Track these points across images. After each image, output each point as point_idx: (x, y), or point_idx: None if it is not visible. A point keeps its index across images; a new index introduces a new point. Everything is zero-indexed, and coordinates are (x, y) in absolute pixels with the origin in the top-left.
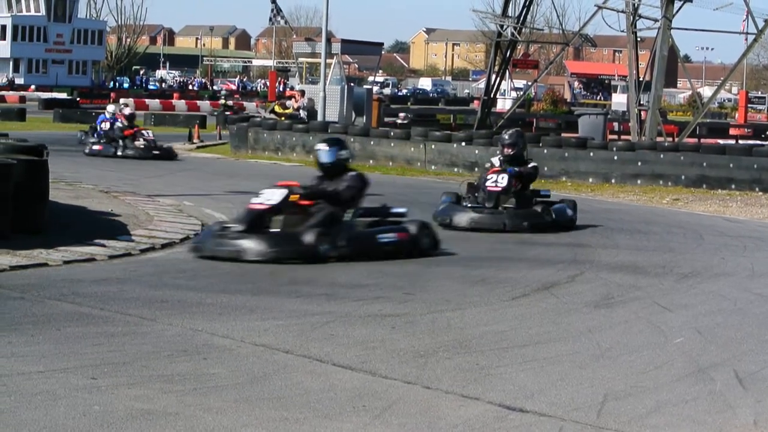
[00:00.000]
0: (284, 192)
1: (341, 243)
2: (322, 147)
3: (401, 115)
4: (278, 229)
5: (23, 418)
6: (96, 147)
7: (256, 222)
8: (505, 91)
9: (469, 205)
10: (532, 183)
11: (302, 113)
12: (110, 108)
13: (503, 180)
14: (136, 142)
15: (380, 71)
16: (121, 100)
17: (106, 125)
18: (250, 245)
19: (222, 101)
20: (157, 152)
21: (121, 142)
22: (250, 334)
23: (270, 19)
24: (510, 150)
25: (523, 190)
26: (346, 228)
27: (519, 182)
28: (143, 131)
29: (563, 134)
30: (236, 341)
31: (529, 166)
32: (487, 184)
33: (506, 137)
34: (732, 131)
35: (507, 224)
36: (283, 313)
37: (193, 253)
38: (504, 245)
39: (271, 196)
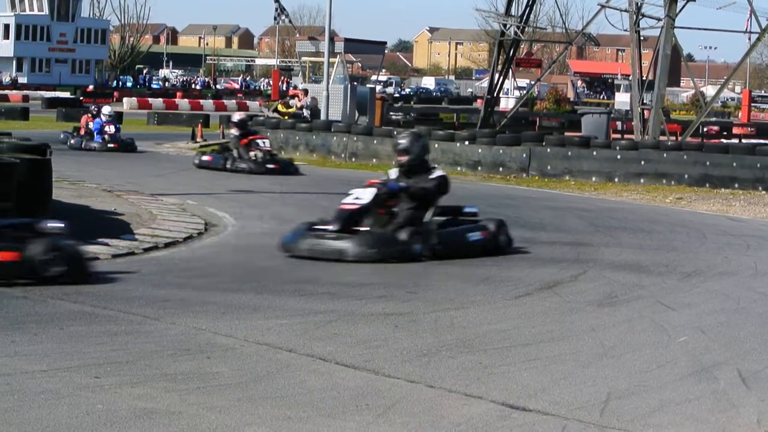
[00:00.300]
0: None
1: None
2: None
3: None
4: None
5: (26, 417)
6: (205, 158)
7: None
8: (508, 90)
9: (319, 227)
10: (435, 198)
11: (305, 112)
12: (106, 110)
13: (366, 196)
14: (250, 153)
15: (383, 70)
16: (125, 100)
17: (111, 128)
18: None
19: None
20: (272, 166)
21: (236, 153)
22: (253, 332)
23: (275, 18)
24: (403, 157)
25: (421, 208)
26: None
27: (411, 200)
28: (259, 140)
29: (566, 133)
30: (239, 340)
31: (431, 177)
32: (344, 200)
33: (399, 141)
34: (736, 130)
35: (346, 252)
36: (286, 311)
37: None
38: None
39: None
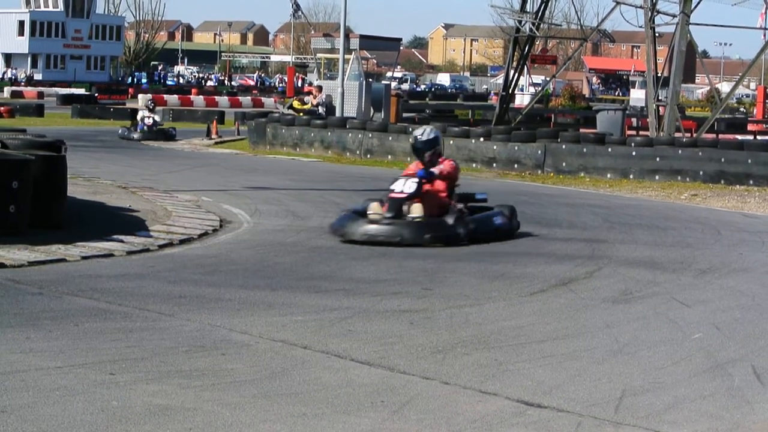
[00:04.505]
0: None
1: None
2: None
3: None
4: None
5: (41, 414)
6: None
7: None
8: (523, 86)
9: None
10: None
11: (320, 109)
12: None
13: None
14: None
15: (398, 67)
16: (140, 96)
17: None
18: None
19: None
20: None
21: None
22: (268, 329)
23: (291, 15)
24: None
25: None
26: None
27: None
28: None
29: (581, 130)
30: (254, 337)
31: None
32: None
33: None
34: (750, 127)
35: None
36: (302, 308)
37: None
38: (520, 240)
39: None
